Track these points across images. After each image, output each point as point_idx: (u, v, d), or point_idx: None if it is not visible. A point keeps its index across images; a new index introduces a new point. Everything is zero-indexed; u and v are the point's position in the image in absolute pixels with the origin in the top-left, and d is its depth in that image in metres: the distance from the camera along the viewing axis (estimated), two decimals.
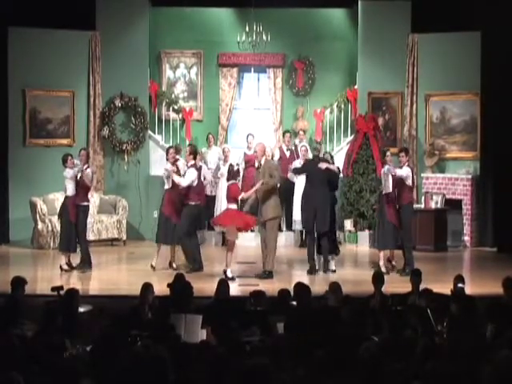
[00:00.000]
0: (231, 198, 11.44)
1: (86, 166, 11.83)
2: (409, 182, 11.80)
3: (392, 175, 11.68)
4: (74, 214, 11.64)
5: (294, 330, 6.75)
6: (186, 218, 11.79)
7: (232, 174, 11.59)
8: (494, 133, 14.18)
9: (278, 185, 14.12)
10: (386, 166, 11.79)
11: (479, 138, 14.54)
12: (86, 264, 11.78)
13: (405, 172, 11.73)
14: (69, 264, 11.74)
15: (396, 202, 11.80)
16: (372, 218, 14.49)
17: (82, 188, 11.75)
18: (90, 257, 11.82)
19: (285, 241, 14.42)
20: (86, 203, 11.83)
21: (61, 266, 11.68)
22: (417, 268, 10.44)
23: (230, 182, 11.56)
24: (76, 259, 11.83)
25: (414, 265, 11.41)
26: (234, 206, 11.45)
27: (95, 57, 15.08)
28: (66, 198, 11.77)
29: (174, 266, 11.95)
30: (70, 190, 11.66)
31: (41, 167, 14.04)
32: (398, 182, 11.75)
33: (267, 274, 11.28)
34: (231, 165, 12.20)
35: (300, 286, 8.29)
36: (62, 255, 11.77)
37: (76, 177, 11.65)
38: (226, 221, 11.44)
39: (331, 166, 11.91)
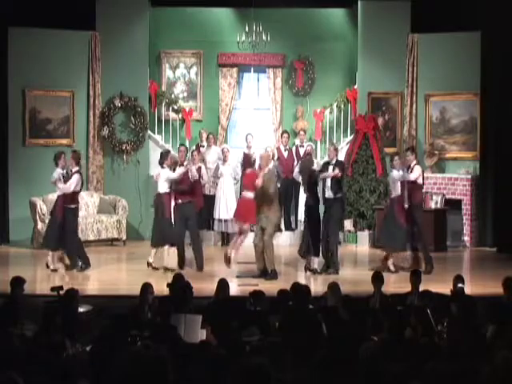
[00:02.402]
0: (248, 185, 11.39)
1: (75, 169, 11.83)
2: (420, 180, 11.85)
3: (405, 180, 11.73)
4: (61, 215, 11.72)
5: (287, 330, 6.75)
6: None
7: (249, 162, 11.52)
8: (493, 133, 14.19)
9: (279, 185, 14.21)
10: (399, 173, 11.76)
11: (479, 138, 14.53)
12: (76, 262, 11.84)
13: (417, 173, 11.80)
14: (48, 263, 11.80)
15: (407, 202, 11.82)
16: (372, 217, 14.49)
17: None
18: (84, 256, 11.87)
19: (284, 241, 14.42)
20: (73, 205, 11.80)
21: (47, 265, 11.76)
22: (416, 268, 10.47)
23: (249, 169, 11.50)
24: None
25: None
26: (250, 194, 11.38)
27: (95, 57, 15.08)
28: (58, 197, 11.85)
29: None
30: (59, 190, 11.75)
31: (41, 167, 14.02)
32: (410, 182, 11.79)
33: (272, 274, 11.29)
34: (247, 153, 12.10)
35: (296, 287, 8.29)
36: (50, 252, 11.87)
37: (60, 180, 11.70)
38: (247, 217, 11.42)
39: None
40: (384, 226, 12.25)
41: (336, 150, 12.16)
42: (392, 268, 11.76)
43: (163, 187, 11.97)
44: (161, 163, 12.10)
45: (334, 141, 15.62)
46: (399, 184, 11.78)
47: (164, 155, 12.20)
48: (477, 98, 14.52)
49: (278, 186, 14.26)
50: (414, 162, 11.92)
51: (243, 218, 11.49)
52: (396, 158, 12.06)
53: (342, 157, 14.93)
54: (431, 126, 15.15)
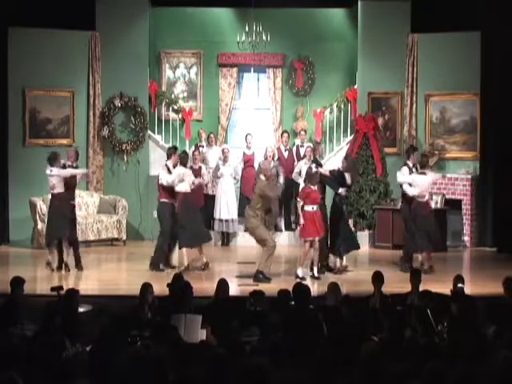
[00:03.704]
0: (300, 197, 11.44)
1: (75, 165, 12.07)
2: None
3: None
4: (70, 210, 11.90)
5: (290, 330, 6.75)
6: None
7: (310, 176, 11.55)
8: (493, 133, 14.19)
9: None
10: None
11: (479, 138, 14.53)
12: (80, 263, 11.89)
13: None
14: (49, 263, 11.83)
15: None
16: (372, 218, 14.48)
17: (69, 187, 11.91)
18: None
19: (284, 241, 14.42)
20: (72, 202, 12.03)
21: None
22: (416, 268, 10.48)
23: (307, 185, 11.55)
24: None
25: None
26: (309, 208, 11.41)
27: (95, 57, 15.08)
28: (59, 194, 11.87)
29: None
30: (60, 188, 11.80)
31: (41, 167, 13.96)
32: None
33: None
34: (310, 167, 12.14)
35: (299, 287, 8.29)
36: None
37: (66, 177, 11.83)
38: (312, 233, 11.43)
39: (321, 170, 11.97)
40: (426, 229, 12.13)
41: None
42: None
43: (182, 186, 11.93)
44: (184, 164, 12.14)
45: (334, 141, 15.61)
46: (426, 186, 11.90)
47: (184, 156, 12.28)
48: (477, 97, 14.51)
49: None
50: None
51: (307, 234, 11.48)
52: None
53: (341, 157, 14.96)
54: (431, 125, 15.14)
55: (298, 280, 10.48)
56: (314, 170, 11.73)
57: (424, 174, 11.93)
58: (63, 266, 11.72)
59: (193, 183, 12.10)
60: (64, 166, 11.90)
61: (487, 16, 13.97)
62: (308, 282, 10.78)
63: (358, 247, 12.05)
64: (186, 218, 11.86)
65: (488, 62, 14.17)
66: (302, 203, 11.42)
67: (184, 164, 12.13)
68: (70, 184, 11.90)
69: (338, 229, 11.83)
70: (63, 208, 11.76)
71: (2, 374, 4.46)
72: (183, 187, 11.88)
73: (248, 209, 11.56)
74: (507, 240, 13.69)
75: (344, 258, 11.80)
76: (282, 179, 13.09)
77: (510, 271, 9.92)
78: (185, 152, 12.93)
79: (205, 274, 11.58)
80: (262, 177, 11.60)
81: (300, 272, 11.29)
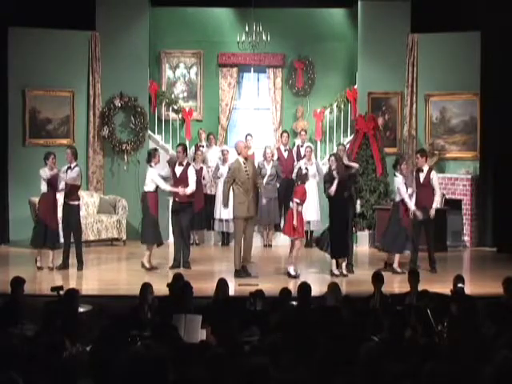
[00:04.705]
0: (295, 197, 11.47)
1: (74, 165, 12.00)
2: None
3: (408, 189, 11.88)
4: (48, 213, 11.86)
5: (290, 329, 6.76)
6: None
7: (301, 177, 11.61)
8: (493, 133, 14.19)
9: (278, 184, 14.26)
10: (401, 180, 11.83)
11: (479, 138, 14.54)
12: (81, 264, 11.87)
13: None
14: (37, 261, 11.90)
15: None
16: (372, 218, 14.49)
17: (72, 187, 11.88)
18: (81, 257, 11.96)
19: (284, 241, 14.40)
20: (76, 202, 11.98)
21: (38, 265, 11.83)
22: (414, 268, 10.49)
23: (299, 184, 11.60)
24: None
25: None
26: (291, 205, 11.56)
27: (95, 57, 15.08)
28: (43, 194, 11.92)
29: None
30: (44, 188, 11.85)
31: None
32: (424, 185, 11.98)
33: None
34: (300, 168, 12.20)
35: (303, 287, 8.30)
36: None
37: (49, 179, 11.80)
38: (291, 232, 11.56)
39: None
40: (389, 229, 12.14)
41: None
42: (398, 270, 11.72)
43: (150, 186, 11.97)
44: (148, 161, 12.10)
45: (334, 141, 15.60)
46: (403, 189, 11.80)
47: (152, 154, 12.17)
48: (477, 97, 14.52)
49: (278, 185, 14.33)
50: (426, 165, 12.11)
51: (288, 233, 11.72)
52: (404, 163, 12.10)
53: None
54: (431, 125, 15.15)
55: (292, 278, 10.65)
56: (304, 171, 11.94)
57: (394, 175, 12.05)
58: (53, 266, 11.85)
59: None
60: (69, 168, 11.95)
61: (487, 16, 13.97)
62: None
63: (345, 254, 11.68)
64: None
65: (488, 62, 14.17)
66: (298, 201, 11.40)
67: (149, 161, 12.11)
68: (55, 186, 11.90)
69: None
70: (45, 210, 11.84)
71: (2, 373, 4.46)
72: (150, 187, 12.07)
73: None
74: (507, 240, 13.69)
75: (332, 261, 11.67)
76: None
77: (510, 271, 9.93)
78: (155, 149, 12.67)
79: (205, 273, 11.58)
80: (238, 157, 11.67)
81: (292, 270, 11.34)
